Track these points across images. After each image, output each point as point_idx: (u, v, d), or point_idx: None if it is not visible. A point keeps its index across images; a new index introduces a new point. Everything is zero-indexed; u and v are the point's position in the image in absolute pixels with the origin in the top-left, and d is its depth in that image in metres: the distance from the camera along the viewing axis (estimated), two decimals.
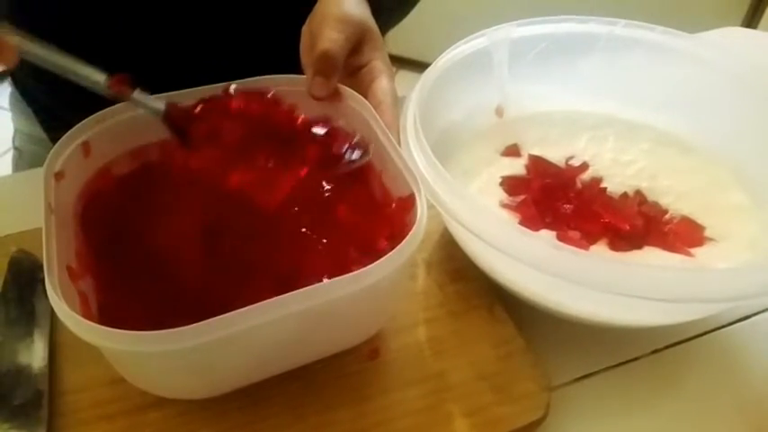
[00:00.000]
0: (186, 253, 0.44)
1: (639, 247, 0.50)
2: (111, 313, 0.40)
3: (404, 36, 0.86)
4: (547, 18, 0.61)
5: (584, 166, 0.57)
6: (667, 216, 0.53)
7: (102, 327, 0.33)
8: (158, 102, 0.47)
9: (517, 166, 0.58)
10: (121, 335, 0.33)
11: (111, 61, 0.67)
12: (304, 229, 0.45)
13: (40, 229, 0.39)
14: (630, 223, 0.50)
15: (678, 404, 0.48)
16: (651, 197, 0.55)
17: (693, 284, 0.40)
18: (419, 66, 0.54)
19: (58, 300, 0.35)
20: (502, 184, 0.56)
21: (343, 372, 0.45)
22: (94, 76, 0.45)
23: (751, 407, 0.48)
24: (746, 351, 0.52)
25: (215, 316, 0.34)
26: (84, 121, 0.46)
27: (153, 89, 0.48)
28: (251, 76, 0.50)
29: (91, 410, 0.43)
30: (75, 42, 0.66)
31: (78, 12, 0.65)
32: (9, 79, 0.81)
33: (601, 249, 0.50)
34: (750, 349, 0.52)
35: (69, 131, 0.45)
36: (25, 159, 0.84)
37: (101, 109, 0.47)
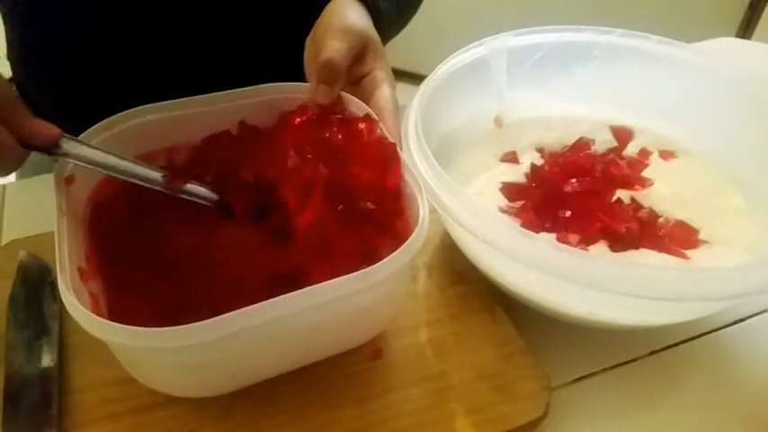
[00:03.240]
0: (194, 254, 0.45)
1: (636, 248, 0.51)
2: (121, 314, 0.41)
3: (401, 49, 0.88)
4: (543, 28, 0.63)
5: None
6: (662, 220, 0.54)
7: (114, 323, 0.34)
8: (210, 192, 0.48)
9: (515, 173, 0.59)
10: (133, 331, 0.34)
11: (125, 68, 0.68)
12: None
13: (48, 233, 0.40)
14: (627, 226, 0.51)
15: (675, 404, 0.49)
16: (648, 201, 0.56)
17: (691, 283, 0.41)
18: (416, 78, 0.56)
19: (71, 298, 0.35)
20: (502, 189, 0.57)
21: (346, 371, 0.46)
22: (150, 174, 0.46)
23: (748, 408, 0.49)
24: (743, 353, 0.53)
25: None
26: (92, 128, 0.47)
27: (162, 95, 0.49)
28: (257, 84, 0.52)
29: (99, 409, 0.44)
30: (89, 52, 0.68)
31: (90, 22, 0.66)
32: (14, 89, 0.82)
33: (600, 250, 0.51)
34: (747, 351, 0.53)
35: (79, 137, 0.46)
36: (29, 167, 0.84)
37: (106, 117, 0.48)
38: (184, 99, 0.50)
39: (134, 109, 0.48)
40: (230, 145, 0.51)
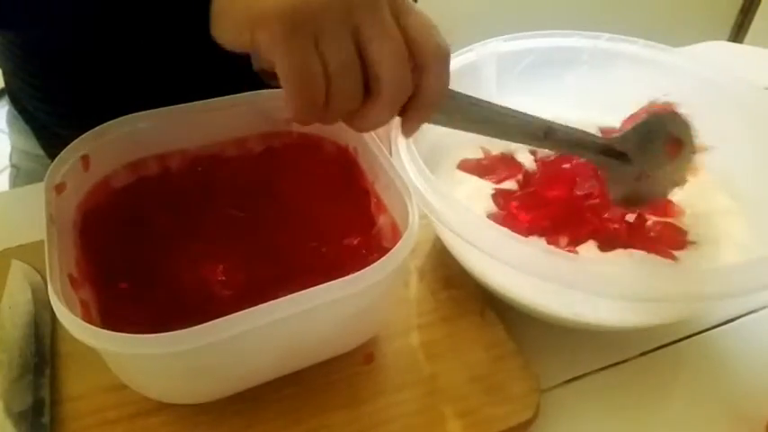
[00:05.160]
0: (185, 260, 0.45)
1: (624, 248, 0.51)
2: (113, 321, 0.41)
3: None
4: (533, 33, 0.63)
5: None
6: (650, 222, 0.54)
7: (103, 330, 0.35)
8: None
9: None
10: (123, 338, 0.34)
11: (120, 76, 0.68)
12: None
13: (40, 242, 0.40)
14: (616, 227, 0.52)
15: (666, 405, 0.49)
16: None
17: (679, 284, 0.42)
18: None
19: (61, 305, 0.36)
20: (493, 194, 0.57)
21: (338, 376, 0.46)
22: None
23: (738, 407, 0.49)
24: (733, 353, 0.53)
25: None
26: (83, 136, 0.47)
27: (155, 103, 0.49)
28: (249, 91, 0.52)
29: (92, 417, 0.44)
30: (87, 57, 0.68)
31: (88, 28, 0.67)
32: (7, 98, 0.82)
33: (589, 250, 0.51)
34: (736, 351, 0.53)
35: (70, 145, 0.46)
36: (22, 176, 0.85)
37: (98, 125, 0.48)
38: (176, 106, 0.50)
39: (125, 117, 0.48)
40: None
